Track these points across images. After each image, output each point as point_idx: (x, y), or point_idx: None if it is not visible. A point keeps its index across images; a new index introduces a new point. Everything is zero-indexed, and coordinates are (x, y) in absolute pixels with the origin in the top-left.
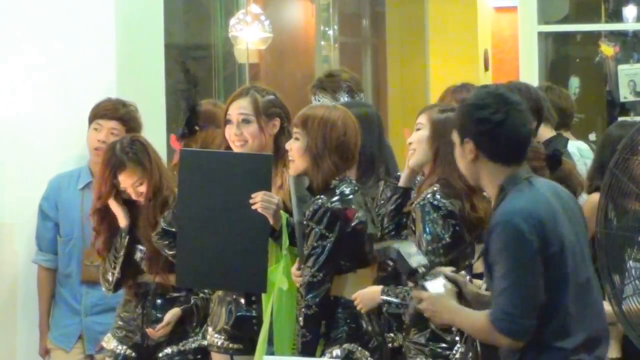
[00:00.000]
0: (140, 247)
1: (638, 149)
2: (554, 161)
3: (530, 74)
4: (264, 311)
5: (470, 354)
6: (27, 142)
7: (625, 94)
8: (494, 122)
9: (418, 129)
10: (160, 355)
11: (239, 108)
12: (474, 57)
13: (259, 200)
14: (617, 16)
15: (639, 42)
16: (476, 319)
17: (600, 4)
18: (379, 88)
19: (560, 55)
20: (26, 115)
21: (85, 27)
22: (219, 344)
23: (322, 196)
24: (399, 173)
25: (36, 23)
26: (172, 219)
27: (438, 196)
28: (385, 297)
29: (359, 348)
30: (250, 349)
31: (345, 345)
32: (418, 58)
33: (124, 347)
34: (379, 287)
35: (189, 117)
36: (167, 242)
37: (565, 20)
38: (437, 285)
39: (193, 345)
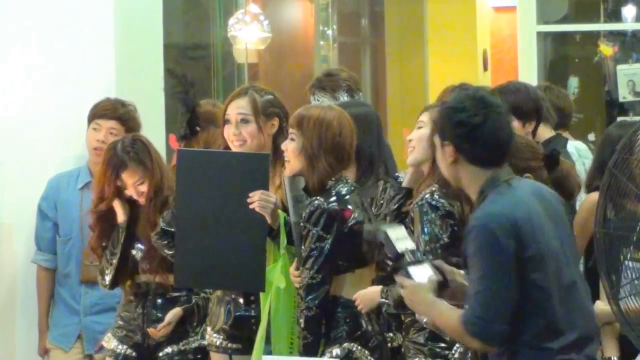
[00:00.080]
0: (139, 245)
1: (636, 149)
2: (552, 161)
3: (529, 73)
4: (261, 310)
5: (470, 354)
6: (26, 142)
7: (624, 94)
8: (472, 125)
9: (419, 127)
10: (161, 354)
11: (237, 108)
12: (472, 57)
13: (257, 200)
14: (616, 16)
15: (638, 42)
16: (449, 318)
17: (599, 4)
18: (378, 88)
19: (559, 55)
20: (25, 115)
21: (85, 27)
22: (218, 343)
23: (318, 197)
24: (397, 173)
25: (36, 23)
26: (171, 218)
27: (436, 196)
28: (384, 301)
29: (359, 347)
30: (249, 348)
31: (345, 345)
32: (417, 58)
33: (124, 346)
34: (379, 288)
35: (190, 118)
36: (166, 241)
37: (564, 20)
38: (421, 273)
39: (193, 345)
